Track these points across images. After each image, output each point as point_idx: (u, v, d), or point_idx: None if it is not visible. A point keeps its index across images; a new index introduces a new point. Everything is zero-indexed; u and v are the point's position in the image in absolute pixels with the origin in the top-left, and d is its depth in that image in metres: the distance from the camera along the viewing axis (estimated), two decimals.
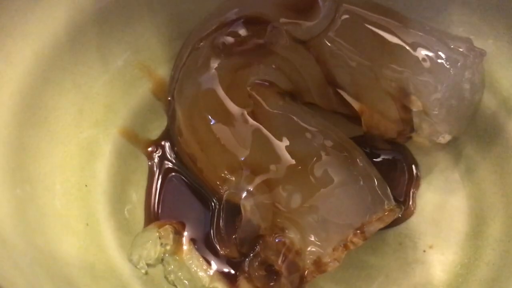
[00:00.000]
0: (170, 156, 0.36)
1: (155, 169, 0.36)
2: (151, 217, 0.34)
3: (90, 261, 0.31)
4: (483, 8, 0.34)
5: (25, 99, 0.32)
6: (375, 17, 0.33)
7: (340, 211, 0.30)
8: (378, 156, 0.37)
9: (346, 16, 0.33)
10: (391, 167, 0.36)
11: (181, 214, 0.34)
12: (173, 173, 0.36)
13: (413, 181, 0.36)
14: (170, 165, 0.36)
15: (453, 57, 0.32)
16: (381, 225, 0.30)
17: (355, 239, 0.29)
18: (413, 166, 0.36)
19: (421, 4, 0.35)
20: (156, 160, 0.36)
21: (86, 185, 0.33)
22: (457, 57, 0.33)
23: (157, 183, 0.35)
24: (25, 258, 0.27)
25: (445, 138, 0.35)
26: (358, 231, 0.29)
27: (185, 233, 0.34)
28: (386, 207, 0.30)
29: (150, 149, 0.36)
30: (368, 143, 0.36)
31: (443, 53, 0.32)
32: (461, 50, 0.33)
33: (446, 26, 0.35)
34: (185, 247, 0.33)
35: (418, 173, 0.36)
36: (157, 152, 0.36)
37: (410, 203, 0.35)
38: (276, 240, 0.30)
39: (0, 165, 0.29)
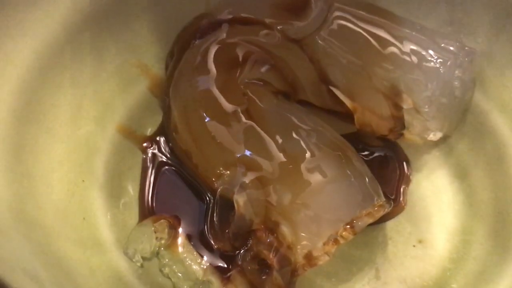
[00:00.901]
0: (165, 151, 0.37)
1: (149, 164, 0.36)
2: (145, 211, 0.35)
3: (87, 254, 0.31)
4: (473, 8, 0.35)
5: (24, 97, 0.32)
6: (367, 16, 0.34)
7: (331, 206, 0.30)
8: (370, 153, 0.37)
9: (338, 15, 0.34)
10: (383, 164, 0.37)
11: (175, 209, 0.35)
12: (168, 168, 0.36)
13: (404, 178, 0.36)
14: (164, 160, 0.36)
15: (443, 55, 0.33)
16: (371, 220, 0.30)
17: (345, 234, 0.30)
18: (404, 163, 0.37)
19: (412, 4, 0.36)
20: (150, 155, 0.36)
21: (83, 181, 0.34)
22: (447, 56, 0.33)
23: (152, 177, 0.36)
24: (24, 250, 0.28)
25: (436, 135, 0.35)
26: (348, 226, 0.30)
27: (180, 228, 0.34)
28: (375, 202, 0.31)
29: (145, 144, 0.37)
30: (360, 140, 0.37)
31: (433, 51, 0.33)
32: (451, 49, 0.33)
33: (436, 25, 0.35)
34: (179, 241, 0.34)
35: (409, 170, 0.37)
36: (152, 147, 0.37)
37: (401, 199, 0.36)
38: (268, 235, 0.31)
39: (0, 161, 0.30)
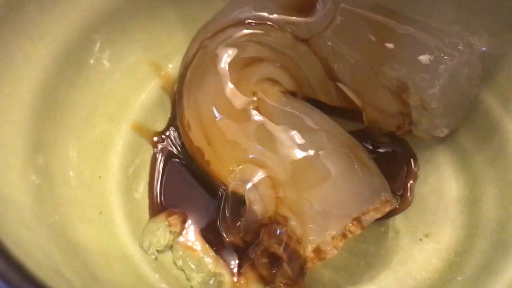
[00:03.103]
0: (175, 146, 0.37)
1: (160, 158, 0.37)
2: (155, 204, 0.36)
3: (104, 247, 0.32)
4: (479, 6, 0.35)
5: (43, 96, 0.33)
6: (373, 16, 0.34)
7: (339, 202, 0.31)
8: (378, 149, 0.38)
9: (345, 15, 0.34)
10: (391, 160, 0.37)
11: (188, 203, 0.36)
12: (179, 163, 0.37)
13: (411, 173, 0.37)
14: (175, 155, 0.37)
15: (449, 53, 0.33)
16: (378, 215, 0.31)
17: (353, 228, 0.31)
18: (412, 159, 0.37)
19: (418, 3, 0.36)
20: (161, 149, 0.37)
21: (100, 176, 0.35)
22: (453, 54, 0.33)
23: (162, 171, 0.37)
24: (45, 243, 0.29)
25: (443, 131, 0.36)
26: (356, 221, 0.31)
27: (193, 222, 0.35)
28: (382, 198, 0.31)
29: (155, 139, 0.38)
30: (368, 137, 0.38)
31: (439, 49, 0.33)
32: (457, 47, 0.33)
33: (442, 24, 0.35)
34: (192, 235, 0.35)
35: (416, 166, 0.37)
36: (163, 142, 0.38)
37: (408, 194, 0.36)
38: (278, 229, 0.32)
39: (21, 158, 0.31)
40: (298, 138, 0.32)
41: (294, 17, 0.35)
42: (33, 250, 0.27)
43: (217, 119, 0.34)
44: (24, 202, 0.30)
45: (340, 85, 0.35)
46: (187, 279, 0.34)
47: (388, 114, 0.35)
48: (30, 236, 0.28)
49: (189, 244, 0.34)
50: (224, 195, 0.35)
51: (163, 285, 0.33)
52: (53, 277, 0.25)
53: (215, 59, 0.35)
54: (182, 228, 0.35)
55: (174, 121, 0.38)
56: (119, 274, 0.32)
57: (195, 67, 0.36)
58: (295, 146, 0.32)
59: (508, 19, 0.34)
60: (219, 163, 0.34)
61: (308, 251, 0.31)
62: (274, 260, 0.32)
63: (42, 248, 0.28)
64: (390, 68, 0.34)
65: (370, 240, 0.35)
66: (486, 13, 0.35)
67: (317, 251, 0.31)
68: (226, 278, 0.33)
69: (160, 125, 0.38)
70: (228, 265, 0.34)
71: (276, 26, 0.35)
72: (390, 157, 0.38)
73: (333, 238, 0.31)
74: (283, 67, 0.35)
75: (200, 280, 0.33)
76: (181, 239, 0.35)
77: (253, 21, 0.35)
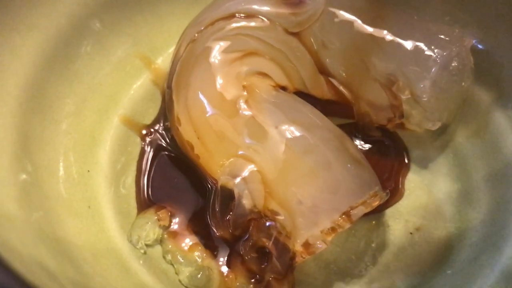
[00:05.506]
0: (164, 139, 0.37)
1: (148, 151, 0.37)
2: (141, 197, 0.36)
3: (92, 241, 0.32)
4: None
5: (31, 89, 0.33)
6: (364, 9, 0.34)
7: (328, 196, 0.31)
8: (369, 143, 0.38)
9: (335, 8, 0.34)
10: (382, 153, 0.37)
11: (178, 197, 0.36)
12: (168, 157, 0.37)
13: (403, 167, 0.37)
14: (164, 148, 0.37)
15: (440, 45, 0.33)
16: (367, 210, 0.31)
17: (342, 222, 0.30)
18: (403, 152, 0.37)
19: None
20: (149, 143, 0.37)
21: (88, 171, 0.35)
22: (445, 46, 0.33)
23: (151, 165, 0.37)
24: (30, 237, 0.29)
25: (435, 124, 0.35)
26: (345, 215, 0.30)
27: (182, 216, 0.35)
28: (372, 192, 0.31)
29: (144, 132, 0.37)
30: (359, 130, 0.37)
31: (430, 42, 0.33)
32: (447, 39, 0.33)
33: (433, 16, 0.35)
34: (182, 229, 0.35)
35: (408, 159, 0.37)
36: (152, 135, 0.37)
37: (399, 187, 0.36)
38: (267, 224, 0.32)
39: (7, 151, 0.31)
40: (288, 132, 0.32)
41: (284, 10, 0.34)
42: (17, 245, 0.27)
43: (206, 113, 0.34)
44: (9, 196, 0.29)
45: (330, 78, 0.35)
46: (176, 273, 0.33)
47: (379, 107, 0.35)
48: (14, 230, 0.28)
49: (178, 238, 0.34)
50: (213, 189, 0.35)
51: (151, 279, 0.33)
52: (37, 272, 0.25)
53: (205, 52, 0.35)
54: (172, 222, 0.35)
55: (163, 114, 0.37)
56: (107, 268, 0.32)
57: (185, 60, 0.36)
58: (284, 140, 0.32)
59: (498, 12, 0.34)
60: (209, 157, 0.34)
61: (298, 245, 0.31)
62: (263, 255, 0.32)
63: (27, 243, 0.28)
64: (380, 61, 0.33)
65: (361, 234, 0.35)
66: (477, 6, 0.35)
67: (306, 245, 0.31)
68: (215, 272, 0.33)
69: (150, 119, 0.38)
70: (217, 259, 0.34)
71: (266, 20, 0.34)
72: (381, 150, 0.37)
73: (322, 232, 0.30)
74: (274, 60, 0.35)
75: (188, 274, 0.33)
76: (170, 233, 0.34)
77: (243, 14, 0.35)
